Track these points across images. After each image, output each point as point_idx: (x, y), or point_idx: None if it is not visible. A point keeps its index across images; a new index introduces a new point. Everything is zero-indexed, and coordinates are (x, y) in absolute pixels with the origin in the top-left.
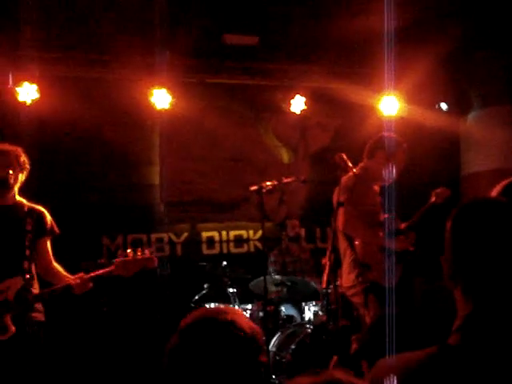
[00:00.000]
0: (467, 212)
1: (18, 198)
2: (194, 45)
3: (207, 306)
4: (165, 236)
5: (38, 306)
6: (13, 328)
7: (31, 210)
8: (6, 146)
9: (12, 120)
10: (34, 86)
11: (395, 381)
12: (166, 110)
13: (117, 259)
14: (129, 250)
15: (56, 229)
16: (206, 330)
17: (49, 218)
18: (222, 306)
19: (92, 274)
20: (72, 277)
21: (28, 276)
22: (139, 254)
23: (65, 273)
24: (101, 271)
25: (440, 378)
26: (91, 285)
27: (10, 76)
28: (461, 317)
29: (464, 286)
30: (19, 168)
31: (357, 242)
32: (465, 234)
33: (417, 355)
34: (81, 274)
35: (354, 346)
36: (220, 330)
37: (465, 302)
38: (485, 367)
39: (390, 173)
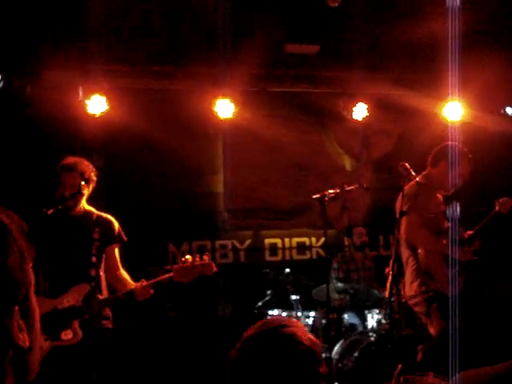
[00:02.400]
0: None
1: (86, 207)
2: (257, 55)
3: (270, 312)
4: (228, 243)
5: (107, 312)
6: (80, 334)
7: (99, 218)
8: (73, 162)
9: (82, 132)
10: (103, 98)
11: None
12: (229, 119)
13: (175, 266)
14: (188, 256)
15: (124, 236)
16: (266, 343)
17: (117, 225)
18: (284, 313)
19: (152, 281)
20: (134, 284)
21: (94, 283)
22: (197, 260)
23: (130, 280)
24: (160, 278)
25: None
26: (152, 292)
27: (80, 89)
28: None
29: None
30: (86, 183)
31: (420, 251)
32: None
33: (497, 369)
34: (142, 280)
35: (420, 355)
36: (281, 344)
37: None
38: None
39: (454, 182)
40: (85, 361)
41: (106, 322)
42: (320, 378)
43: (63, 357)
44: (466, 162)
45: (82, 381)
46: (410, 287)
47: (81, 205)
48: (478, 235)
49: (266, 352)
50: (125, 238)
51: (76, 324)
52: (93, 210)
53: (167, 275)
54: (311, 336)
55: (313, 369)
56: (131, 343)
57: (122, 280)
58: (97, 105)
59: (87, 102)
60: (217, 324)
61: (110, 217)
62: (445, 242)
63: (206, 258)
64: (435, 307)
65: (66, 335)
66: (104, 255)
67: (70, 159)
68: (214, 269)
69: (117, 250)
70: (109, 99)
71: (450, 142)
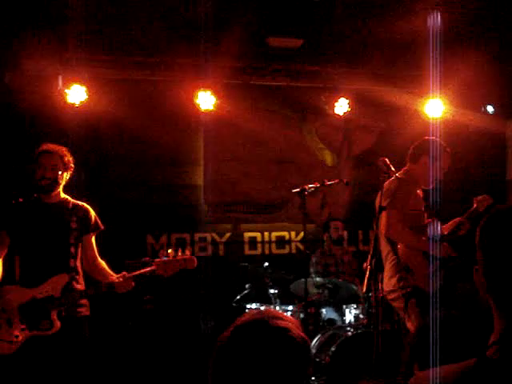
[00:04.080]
0: (498, 220)
1: (62, 195)
2: (239, 47)
3: (248, 306)
4: (208, 236)
5: (84, 300)
6: (58, 324)
7: (76, 206)
8: (52, 146)
9: (61, 121)
10: (83, 88)
11: None
12: (210, 111)
13: (157, 259)
14: (170, 250)
15: (100, 224)
16: (258, 332)
17: (93, 213)
18: (262, 307)
19: (134, 274)
20: (115, 275)
21: (73, 273)
22: (180, 254)
23: (109, 270)
24: (142, 271)
25: None
26: (133, 284)
27: (60, 78)
28: (497, 330)
29: (495, 299)
30: (64, 167)
31: (399, 246)
32: (494, 244)
33: (455, 368)
34: (123, 273)
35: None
36: (273, 334)
37: (498, 316)
38: None
39: (434, 177)
40: (62, 349)
41: (82, 309)
42: (308, 378)
43: (41, 346)
44: (445, 156)
45: (58, 370)
46: (389, 282)
47: (57, 192)
48: (455, 233)
49: (257, 341)
50: (101, 226)
51: (54, 314)
52: (68, 198)
53: (149, 268)
54: (304, 335)
55: (303, 366)
56: (108, 336)
57: (100, 270)
58: (76, 94)
59: (67, 91)
60: (195, 317)
61: (86, 205)
62: (424, 238)
63: (188, 252)
64: (413, 302)
65: (44, 325)
66: (81, 244)
67: (49, 144)
68: (196, 263)
69: (93, 239)
70: (89, 89)
71: (428, 137)
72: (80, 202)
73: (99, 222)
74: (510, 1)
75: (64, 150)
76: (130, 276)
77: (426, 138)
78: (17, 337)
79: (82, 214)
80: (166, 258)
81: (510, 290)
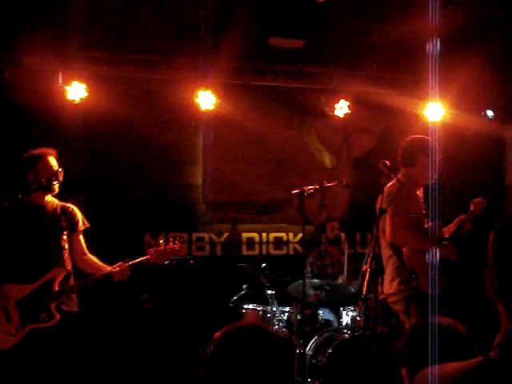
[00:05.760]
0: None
1: (49, 198)
2: (240, 47)
3: (245, 306)
4: (205, 236)
5: (72, 296)
6: (58, 316)
7: (63, 207)
8: (51, 149)
9: (60, 118)
10: (83, 85)
11: None
12: (210, 111)
13: (150, 249)
14: (161, 241)
15: (86, 222)
16: (245, 334)
17: (79, 213)
18: (259, 307)
19: (131, 262)
20: (110, 266)
21: (69, 268)
22: (170, 243)
23: (100, 262)
24: (138, 260)
25: None
26: (129, 273)
27: (60, 75)
28: (503, 332)
29: (507, 301)
30: (56, 173)
31: (405, 250)
32: (508, 247)
33: (460, 366)
34: (120, 263)
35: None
36: (259, 334)
37: (508, 317)
38: None
39: (434, 170)
40: (56, 343)
41: (71, 303)
42: (294, 368)
43: (40, 338)
44: (436, 152)
45: (52, 362)
46: (390, 285)
47: (46, 197)
48: (458, 233)
49: (246, 342)
50: (88, 224)
51: (53, 307)
52: (55, 200)
53: (144, 258)
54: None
55: (289, 357)
56: (105, 335)
57: (92, 263)
58: (76, 91)
59: (67, 88)
60: (191, 317)
61: (71, 205)
62: (429, 239)
63: (177, 241)
64: (414, 306)
65: (44, 317)
66: (70, 242)
67: (45, 148)
68: (185, 251)
69: (81, 237)
70: (89, 86)
71: (413, 137)
72: (66, 204)
73: (85, 220)
74: (509, 5)
75: (57, 157)
76: (126, 265)
77: (412, 138)
78: (17, 330)
79: (70, 214)
80: (158, 248)
81: None
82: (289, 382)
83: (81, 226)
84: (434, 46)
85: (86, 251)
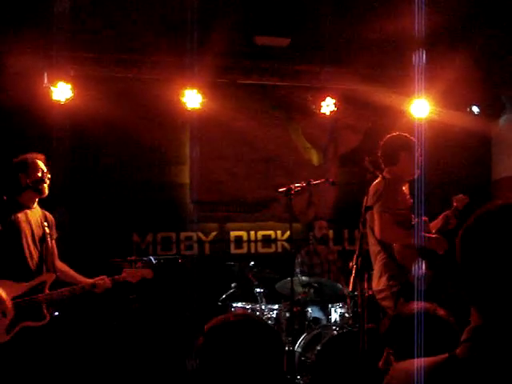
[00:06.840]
0: (479, 220)
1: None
2: (226, 46)
3: (234, 305)
4: (193, 235)
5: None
6: (48, 316)
7: (45, 215)
8: (40, 154)
9: (46, 118)
10: (68, 86)
11: None
12: (196, 109)
13: (125, 269)
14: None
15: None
16: (234, 325)
17: (54, 221)
18: (248, 306)
19: (113, 278)
20: (82, 276)
21: (59, 273)
22: (139, 265)
23: (69, 268)
24: (116, 277)
25: None
26: (110, 285)
27: (45, 75)
28: (471, 328)
29: (473, 298)
30: (42, 180)
31: (395, 245)
32: (473, 244)
33: (425, 363)
34: (103, 276)
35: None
36: (249, 323)
37: (476, 314)
38: (489, 381)
39: (417, 164)
40: (43, 342)
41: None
42: (283, 357)
43: (29, 336)
44: (416, 147)
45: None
46: (379, 281)
47: (36, 199)
48: (444, 228)
49: (236, 333)
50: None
51: (45, 307)
52: (38, 207)
53: (121, 275)
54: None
55: (279, 346)
56: (94, 335)
57: (66, 271)
58: (62, 92)
59: (52, 88)
60: (180, 316)
61: (49, 213)
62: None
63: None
64: (403, 301)
65: (36, 316)
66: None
67: (34, 153)
68: (152, 275)
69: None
70: (74, 86)
71: (391, 135)
72: (46, 212)
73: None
74: (494, 3)
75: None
76: (110, 280)
77: (390, 137)
78: (11, 326)
79: (51, 222)
80: (131, 269)
81: (490, 285)
82: (278, 371)
83: (55, 234)
84: (419, 44)
85: (57, 259)
